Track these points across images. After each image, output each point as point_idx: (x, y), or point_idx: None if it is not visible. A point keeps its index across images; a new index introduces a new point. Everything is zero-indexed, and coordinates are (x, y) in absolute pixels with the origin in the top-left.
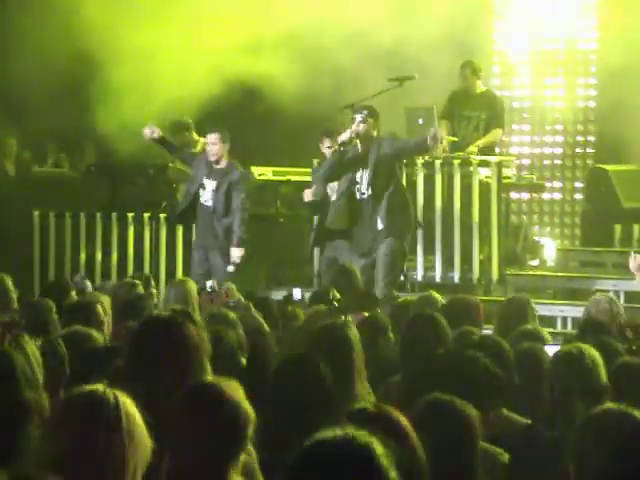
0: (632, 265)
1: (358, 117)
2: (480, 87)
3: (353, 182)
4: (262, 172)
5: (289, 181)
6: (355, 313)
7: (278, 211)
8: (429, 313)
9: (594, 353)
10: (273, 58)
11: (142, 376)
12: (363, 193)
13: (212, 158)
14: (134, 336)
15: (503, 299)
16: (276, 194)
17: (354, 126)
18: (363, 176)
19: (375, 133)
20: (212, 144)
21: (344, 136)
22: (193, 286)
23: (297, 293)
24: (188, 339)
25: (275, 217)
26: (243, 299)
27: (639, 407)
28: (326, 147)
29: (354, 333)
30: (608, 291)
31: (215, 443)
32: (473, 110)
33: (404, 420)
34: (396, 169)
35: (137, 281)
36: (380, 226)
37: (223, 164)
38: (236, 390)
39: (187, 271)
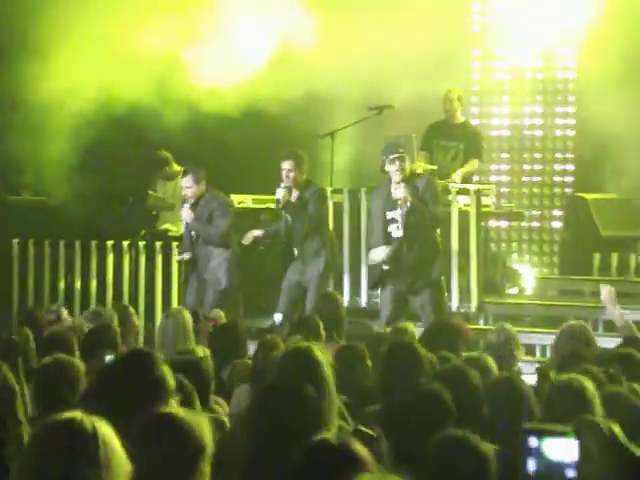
0: (604, 297)
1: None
2: (459, 117)
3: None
4: (242, 200)
5: (268, 209)
6: (333, 342)
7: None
8: (408, 341)
9: (590, 385)
10: (250, 86)
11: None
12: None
13: (190, 201)
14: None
15: (483, 327)
16: (256, 222)
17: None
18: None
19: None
20: (187, 187)
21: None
22: (188, 316)
23: (277, 317)
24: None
25: (254, 245)
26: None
27: (631, 434)
28: (286, 169)
29: (323, 355)
30: (587, 320)
31: (163, 473)
32: (451, 140)
33: (363, 451)
34: None
35: (102, 310)
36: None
37: (203, 200)
38: (199, 423)
39: (166, 299)
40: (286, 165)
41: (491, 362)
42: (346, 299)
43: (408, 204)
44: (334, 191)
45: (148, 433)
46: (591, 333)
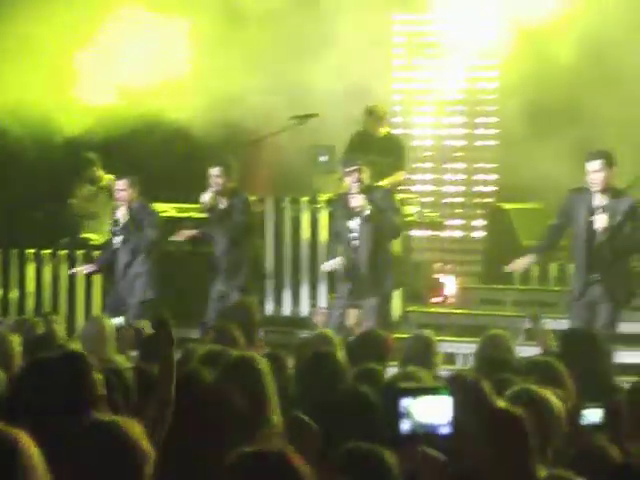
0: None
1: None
2: (382, 131)
3: None
4: (165, 209)
5: (191, 218)
6: (253, 349)
7: (180, 248)
8: (328, 350)
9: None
10: (178, 93)
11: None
12: None
13: (121, 204)
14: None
15: (406, 336)
16: (178, 231)
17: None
18: None
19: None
20: (121, 190)
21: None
22: (109, 323)
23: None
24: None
25: (177, 254)
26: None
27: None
28: (214, 175)
29: (265, 364)
30: (508, 329)
31: None
32: (377, 155)
33: (297, 460)
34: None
35: (36, 319)
36: None
37: (134, 206)
38: (134, 428)
39: (87, 308)
40: (214, 172)
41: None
42: (269, 308)
43: (365, 213)
44: (259, 200)
45: (91, 441)
46: (512, 342)
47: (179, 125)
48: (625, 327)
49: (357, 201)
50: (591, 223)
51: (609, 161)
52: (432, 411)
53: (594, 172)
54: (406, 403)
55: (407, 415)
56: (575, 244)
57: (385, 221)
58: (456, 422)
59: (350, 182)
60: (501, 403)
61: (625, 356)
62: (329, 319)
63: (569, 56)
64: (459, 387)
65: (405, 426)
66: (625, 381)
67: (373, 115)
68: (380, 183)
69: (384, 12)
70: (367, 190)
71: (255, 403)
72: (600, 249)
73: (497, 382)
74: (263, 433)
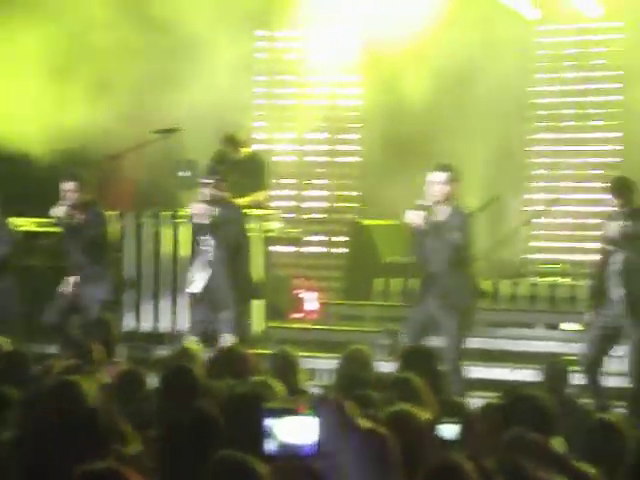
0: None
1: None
2: (243, 151)
3: None
4: (23, 223)
5: (49, 232)
6: (112, 365)
7: (39, 262)
8: (185, 366)
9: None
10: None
11: None
12: None
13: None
14: None
15: (268, 352)
16: (37, 245)
17: None
18: None
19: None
20: (70, 191)
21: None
22: None
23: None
24: None
25: (35, 268)
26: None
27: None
28: (67, 190)
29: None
30: (366, 344)
31: None
32: (239, 176)
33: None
34: None
35: None
36: None
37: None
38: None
39: None
40: (68, 186)
41: (278, 385)
42: (129, 323)
43: (203, 222)
44: (118, 214)
45: None
46: (372, 358)
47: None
48: (479, 343)
49: (197, 209)
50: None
51: (454, 175)
52: (297, 432)
53: (437, 184)
54: (270, 423)
55: (271, 435)
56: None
57: (230, 235)
58: (321, 443)
59: (203, 192)
60: (366, 423)
61: (478, 372)
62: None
63: (422, 80)
64: (322, 407)
65: (270, 446)
66: (480, 396)
67: (232, 143)
68: (240, 201)
69: (246, 29)
70: (213, 203)
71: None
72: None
73: (357, 398)
74: (116, 450)
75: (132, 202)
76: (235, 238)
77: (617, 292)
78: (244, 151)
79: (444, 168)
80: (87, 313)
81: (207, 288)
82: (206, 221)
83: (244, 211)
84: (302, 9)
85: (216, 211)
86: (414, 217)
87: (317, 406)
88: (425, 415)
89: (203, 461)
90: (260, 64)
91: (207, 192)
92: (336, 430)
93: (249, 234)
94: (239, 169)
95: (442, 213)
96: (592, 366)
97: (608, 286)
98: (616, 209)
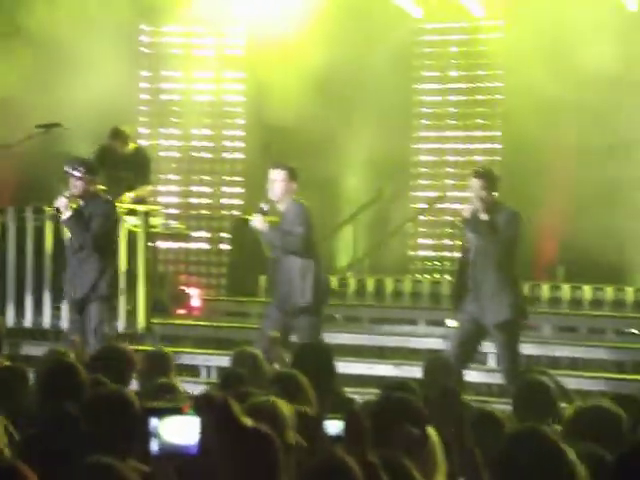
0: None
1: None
2: (128, 147)
3: None
4: None
5: None
6: None
7: None
8: (67, 363)
9: None
10: None
11: None
12: None
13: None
14: None
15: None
16: None
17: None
18: None
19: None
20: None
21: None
22: None
23: None
24: None
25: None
26: None
27: None
28: None
29: None
30: (251, 341)
31: None
32: (124, 170)
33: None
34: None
35: None
36: None
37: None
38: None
39: None
40: None
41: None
42: (10, 319)
43: (65, 216)
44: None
45: None
46: (259, 357)
47: None
48: (363, 339)
49: (59, 202)
50: None
51: (291, 174)
52: (180, 431)
53: (277, 182)
54: (154, 423)
55: (156, 435)
56: None
57: (93, 227)
58: (203, 442)
59: (72, 185)
60: (248, 421)
61: (362, 368)
62: None
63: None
64: (206, 407)
65: (154, 446)
66: (364, 393)
67: (118, 137)
68: (124, 196)
69: (131, 23)
70: (83, 197)
71: None
72: None
73: (237, 396)
74: None
75: (11, 197)
76: (101, 232)
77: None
78: (131, 146)
79: (281, 166)
80: None
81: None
82: (68, 215)
83: (116, 206)
84: (188, 5)
85: (80, 204)
86: (257, 223)
87: (198, 404)
88: (306, 409)
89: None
90: (145, 58)
91: (76, 185)
92: (217, 429)
93: (124, 229)
94: (124, 164)
95: (283, 208)
96: (461, 363)
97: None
98: (476, 201)
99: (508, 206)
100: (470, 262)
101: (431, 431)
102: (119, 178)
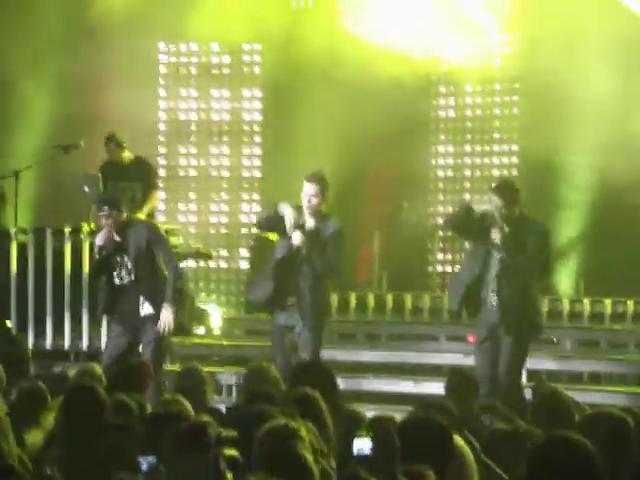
0: None
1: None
2: (128, 156)
3: None
4: None
5: None
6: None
7: None
8: (88, 384)
9: None
10: None
11: None
12: None
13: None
14: None
15: (169, 368)
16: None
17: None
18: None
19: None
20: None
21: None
22: None
23: None
24: None
25: None
26: None
27: None
28: None
29: None
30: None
31: None
32: (127, 181)
33: None
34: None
35: None
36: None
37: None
38: None
39: None
40: None
41: (186, 403)
42: (30, 340)
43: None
44: (19, 230)
45: None
46: (277, 373)
47: None
48: (381, 356)
49: (99, 239)
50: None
51: (325, 187)
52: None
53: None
54: None
55: None
56: None
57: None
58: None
59: (105, 223)
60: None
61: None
62: None
63: None
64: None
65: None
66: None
67: (112, 140)
68: (140, 214)
69: (150, 41)
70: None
71: None
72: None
73: (257, 414)
74: None
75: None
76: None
77: (493, 299)
78: (128, 156)
79: (316, 180)
80: None
81: None
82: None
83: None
84: (205, 23)
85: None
86: (296, 240)
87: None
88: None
89: None
90: (164, 76)
91: (106, 223)
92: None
93: None
94: (126, 173)
95: (316, 221)
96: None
97: (484, 294)
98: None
99: (534, 219)
100: (495, 276)
101: (462, 447)
102: (123, 189)
